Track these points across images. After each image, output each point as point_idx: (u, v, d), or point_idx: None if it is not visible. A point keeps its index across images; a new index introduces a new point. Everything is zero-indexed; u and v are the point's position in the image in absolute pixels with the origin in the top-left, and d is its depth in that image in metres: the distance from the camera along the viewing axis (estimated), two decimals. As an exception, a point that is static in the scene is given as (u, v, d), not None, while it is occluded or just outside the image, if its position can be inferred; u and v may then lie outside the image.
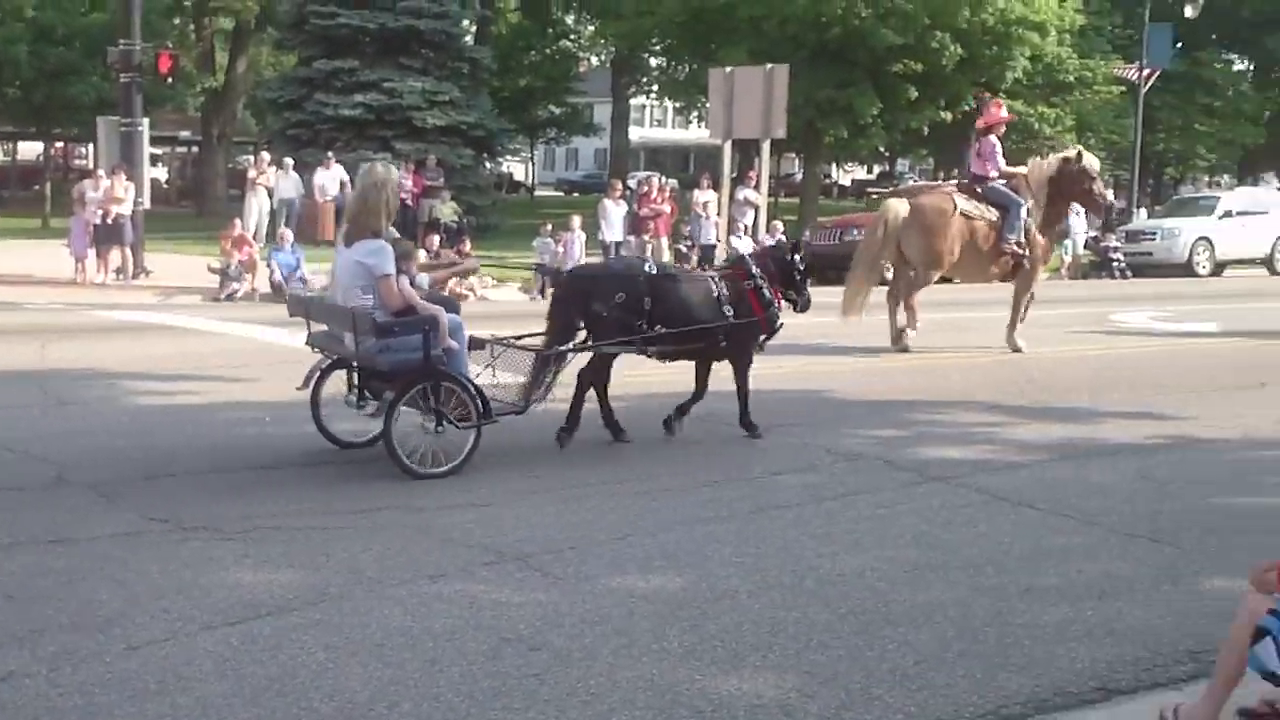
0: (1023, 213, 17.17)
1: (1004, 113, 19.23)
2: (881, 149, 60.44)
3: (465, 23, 46.48)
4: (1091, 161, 18.01)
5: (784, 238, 29.61)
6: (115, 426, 11.65)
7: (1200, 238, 36.06)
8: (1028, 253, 17.28)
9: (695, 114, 66.71)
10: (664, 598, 7.08)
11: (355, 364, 10.42)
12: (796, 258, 11.95)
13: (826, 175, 77.56)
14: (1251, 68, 68.04)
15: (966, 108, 43.84)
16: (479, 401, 9.96)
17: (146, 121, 28.97)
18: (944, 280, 19.26)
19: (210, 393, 13.35)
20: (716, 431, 11.53)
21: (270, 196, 32.97)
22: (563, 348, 10.95)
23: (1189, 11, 45.09)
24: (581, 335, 11.09)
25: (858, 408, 13.36)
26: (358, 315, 9.78)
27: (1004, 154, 17.98)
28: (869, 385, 14.67)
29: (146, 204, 28.30)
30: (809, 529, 8.54)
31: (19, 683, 5.81)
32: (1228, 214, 37.05)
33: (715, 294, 11.27)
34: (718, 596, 7.10)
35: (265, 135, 47.64)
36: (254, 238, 28.62)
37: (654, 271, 11.41)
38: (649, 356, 11.46)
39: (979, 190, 17.49)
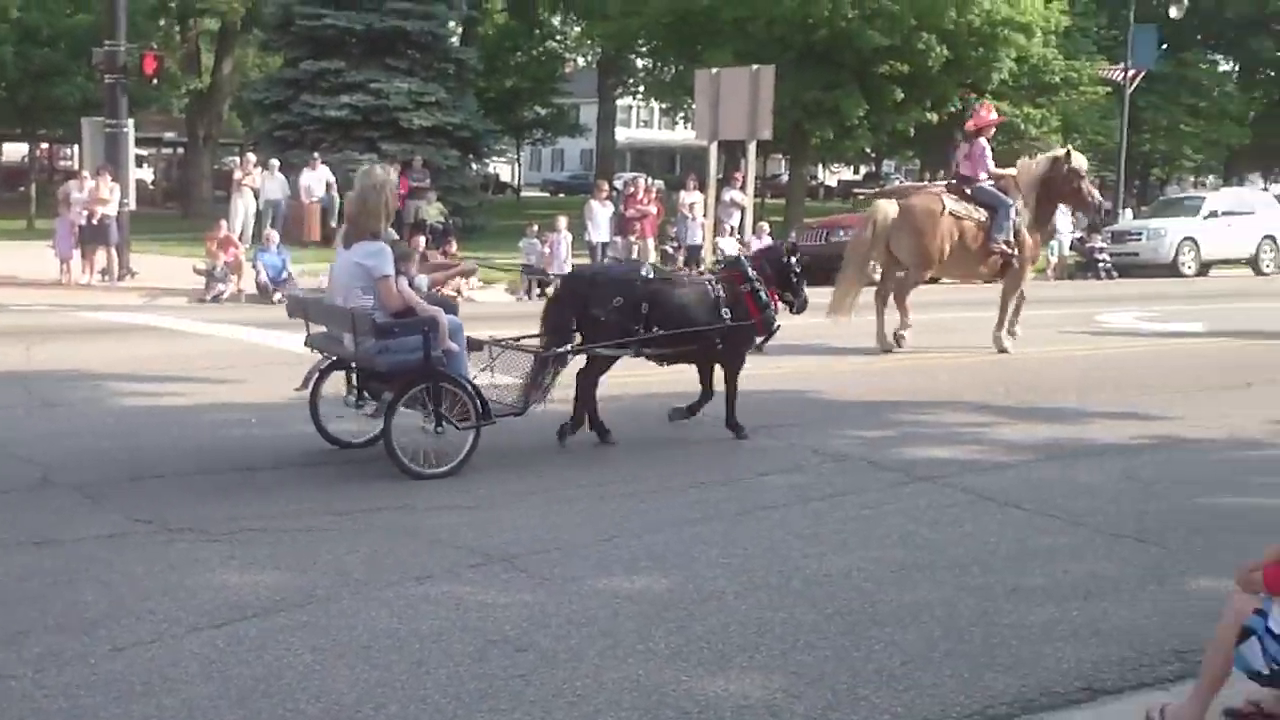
0: (1011, 213, 17.23)
1: (993, 115, 19.27)
2: (868, 150, 60.62)
3: (451, 24, 46.41)
4: (1081, 161, 18.09)
5: (771, 238, 29.69)
6: (101, 428, 11.62)
7: (1186, 238, 36.13)
8: (1016, 252, 17.34)
9: (681, 115, 66.67)
10: (650, 599, 7.08)
11: (354, 365, 10.42)
12: (793, 260, 12.02)
13: (813, 176, 77.56)
14: (1236, 68, 68.24)
15: (953, 109, 43.96)
16: (478, 403, 9.98)
17: (132, 123, 28.88)
18: (931, 281, 19.30)
19: (196, 394, 13.32)
20: (703, 433, 11.53)
21: (256, 198, 32.94)
22: (561, 350, 10.97)
23: (1174, 12, 45.14)
24: (576, 337, 11.11)
25: (845, 408, 13.36)
26: (357, 316, 9.78)
27: (991, 155, 18.02)
28: (856, 386, 14.68)
29: (132, 205, 28.22)
30: (796, 530, 8.54)
31: (4, 685, 5.79)
32: (1213, 214, 37.13)
33: (712, 297, 11.30)
34: (704, 597, 7.10)
35: (251, 136, 47.61)
36: (240, 239, 28.59)
37: (651, 276, 11.43)
38: (648, 359, 11.49)
39: (967, 191, 17.53)
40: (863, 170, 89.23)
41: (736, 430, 11.44)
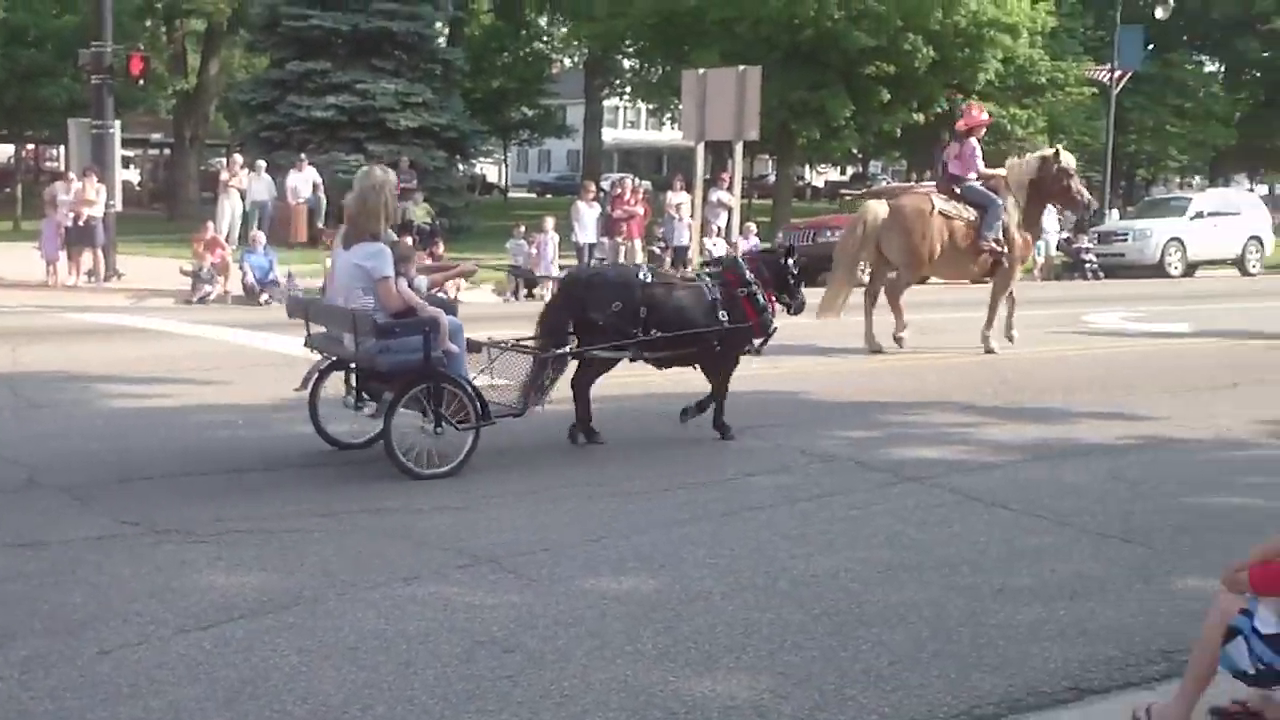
0: (1001, 211, 17.27)
1: (984, 115, 19.36)
2: (854, 151, 60.70)
3: (438, 24, 46.41)
4: (1070, 160, 18.14)
5: (757, 239, 29.72)
6: (87, 429, 11.60)
7: (1172, 239, 36.20)
8: (1006, 250, 17.39)
9: (668, 116, 66.69)
10: (638, 599, 7.08)
11: (354, 365, 10.42)
12: (790, 262, 12.05)
13: (799, 177, 77.73)
14: (1222, 69, 68.46)
15: (939, 110, 44.03)
16: (478, 403, 9.99)
17: (118, 124, 28.84)
18: (920, 281, 19.33)
19: (183, 396, 13.30)
20: (691, 434, 11.52)
21: (243, 199, 32.91)
22: (560, 352, 10.98)
23: (1160, 13, 45.25)
24: (573, 340, 11.13)
25: (833, 409, 13.37)
26: (358, 316, 9.78)
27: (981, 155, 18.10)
28: (844, 386, 14.69)
29: (118, 206, 28.19)
30: (783, 530, 8.54)
31: (-10, 687, 5.79)
32: (1199, 215, 37.21)
33: (710, 299, 11.31)
34: (692, 598, 7.10)
35: (237, 137, 47.51)
36: (226, 240, 28.53)
37: (649, 279, 11.42)
38: (647, 363, 11.49)
39: (957, 190, 17.58)
40: (849, 171, 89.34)
41: (723, 431, 11.45)
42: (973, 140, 17.96)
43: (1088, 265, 35.31)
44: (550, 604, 6.95)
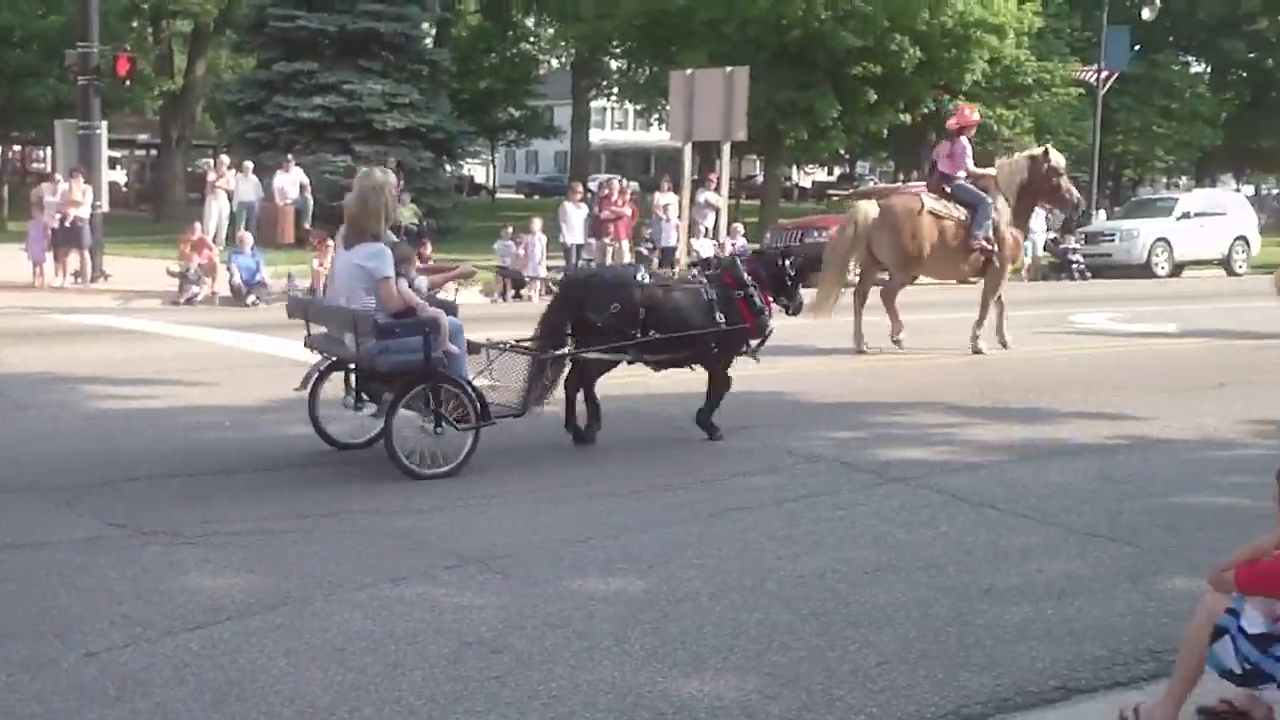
0: (991, 210, 17.32)
1: (975, 115, 19.39)
2: (842, 151, 60.75)
3: (425, 25, 46.35)
4: (1059, 159, 18.20)
5: (745, 239, 29.73)
6: (74, 431, 11.59)
7: (1159, 239, 36.26)
8: (996, 249, 17.43)
9: (656, 116, 66.77)
10: (625, 600, 7.08)
11: (354, 365, 10.41)
12: (787, 263, 12.07)
13: (787, 177, 77.62)
14: (1208, 70, 68.62)
15: (926, 110, 44.07)
16: (478, 404, 9.99)
17: (105, 124, 28.77)
18: (910, 280, 19.35)
19: (170, 397, 13.28)
20: (679, 434, 11.53)
21: (230, 200, 32.90)
22: (559, 353, 10.98)
23: (1146, 14, 45.34)
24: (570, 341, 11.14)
25: (820, 409, 13.37)
26: (359, 316, 9.78)
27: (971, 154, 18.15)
28: (832, 386, 14.69)
29: (105, 207, 28.15)
30: (770, 531, 8.54)
31: (-24, 690, 5.77)
32: (1186, 215, 37.27)
33: (707, 301, 11.32)
34: (679, 599, 7.10)
35: (224, 138, 47.47)
36: (213, 241, 28.48)
37: (647, 281, 11.43)
38: (645, 365, 11.50)
39: (947, 189, 17.64)
40: (837, 171, 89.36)
41: (711, 431, 11.45)
42: (963, 139, 18.01)
43: (1075, 266, 35.33)
44: (538, 605, 6.94)
